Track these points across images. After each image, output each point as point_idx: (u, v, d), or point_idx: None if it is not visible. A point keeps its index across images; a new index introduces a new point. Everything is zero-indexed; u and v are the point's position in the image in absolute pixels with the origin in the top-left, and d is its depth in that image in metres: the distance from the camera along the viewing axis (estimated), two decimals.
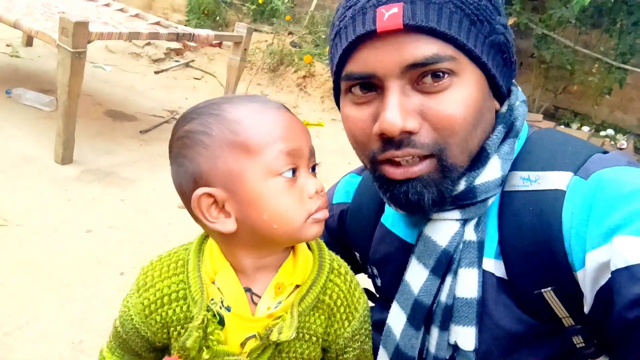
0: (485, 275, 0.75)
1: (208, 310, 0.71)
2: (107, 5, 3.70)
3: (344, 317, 0.76)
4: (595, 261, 0.63)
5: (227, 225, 0.68)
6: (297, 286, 0.74)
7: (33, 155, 2.81)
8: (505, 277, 0.73)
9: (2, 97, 3.44)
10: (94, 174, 2.79)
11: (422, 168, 0.70)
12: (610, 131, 4.39)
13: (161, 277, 0.77)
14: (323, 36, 5.20)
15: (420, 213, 0.75)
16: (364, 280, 1.08)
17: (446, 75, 0.67)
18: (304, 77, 4.92)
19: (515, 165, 0.75)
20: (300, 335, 0.74)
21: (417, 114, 0.68)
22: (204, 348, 0.71)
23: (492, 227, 0.76)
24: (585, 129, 4.45)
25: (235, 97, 0.72)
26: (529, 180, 0.73)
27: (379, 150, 0.71)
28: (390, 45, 0.67)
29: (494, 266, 0.74)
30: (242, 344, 0.72)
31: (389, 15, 0.65)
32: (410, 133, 0.68)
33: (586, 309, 0.67)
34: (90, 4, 3.69)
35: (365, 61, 0.69)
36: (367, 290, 1.06)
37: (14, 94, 3.45)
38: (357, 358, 0.80)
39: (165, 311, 0.76)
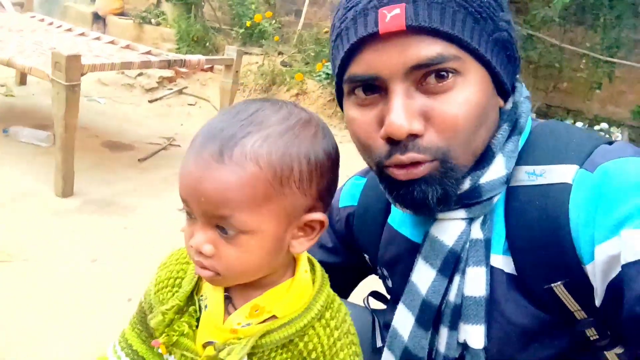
0: (494, 272, 0.74)
1: (192, 304, 0.73)
2: (98, 38, 3.75)
3: None
4: (605, 254, 0.63)
5: None
6: (275, 317, 0.71)
7: (33, 191, 2.82)
8: (515, 273, 0.73)
9: None
10: (96, 204, 2.80)
11: (424, 169, 0.69)
12: (604, 125, 4.40)
13: (176, 261, 0.81)
14: (312, 54, 5.25)
15: (426, 212, 0.75)
16: (374, 283, 1.09)
17: (450, 75, 0.67)
18: (297, 95, 4.96)
19: (520, 160, 0.75)
20: None
21: (420, 116, 0.68)
22: (164, 333, 0.72)
23: (499, 223, 0.75)
24: (579, 124, 4.46)
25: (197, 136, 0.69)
26: (534, 175, 0.73)
27: (385, 155, 0.70)
28: (393, 47, 0.66)
29: (503, 262, 0.74)
30: (204, 346, 0.72)
31: (392, 17, 0.65)
32: (416, 136, 0.68)
33: (597, 302, 0.67)
34: (81, 38, 3.74)
35: (368, 63, 0.69)
36: (378, 293, 1.06)
37: (11, 132, 3.47)
38: None
39: (166, 293, 0.78)
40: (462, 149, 0.69)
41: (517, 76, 0.80)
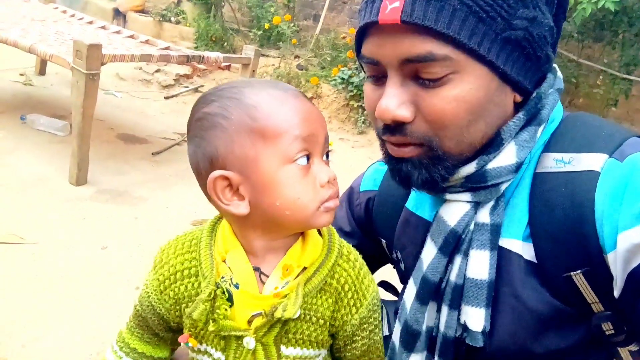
0: (512, 257, 0.75)
1: (217, 287, 0.73)
2: (118, 32, 3.80)
3: (351, 303, 0.77)
4: (628, 242, 0.63)
5: (240, 208, 0.70)
6: (305, 268, 0.75)
7: (48, 177, 2.86)
8: (534, 260, 0.73)
9: (17, 123, 3.51)
10: (108, 193, 2.83)
11: (411, 150, 0.73)
12: None
13: (175, 254, 0.80)
14: (329, 58, 5.29)
15: (414, 189, 0.79)
16: (386, 275, 1.09)
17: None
18: (312, 98, 4.98)
19: (549, 147, 0.75)
20: (308, 317, 0.74)
21: (411, 105, 0.70)
22: (211, 321, 0.73)
23: (522, 208, 0.75)
24: None
25: (256, 81, 0.74)
26: (562, 162, 0.73)
27: (381, 131, 0.75)
28: (390, 38, 0.69)
29: (522, 248, 0.74)
30: (249, 321, 0.73)
31: (391, 9, 0.66)
32: (404, 122, 0.71)
33: (616, 293, 0.67)
34: (102, 31, 3.79)
35: (371, 48, 0.72)
36: (387, 283, 1.07)
37: (28, 120, 3.52)
38: (366, 347, 0.80)
39: (177, 287, 0.78)
40: (452, 141, 0.71)
41: (555, 66, 0.79)
